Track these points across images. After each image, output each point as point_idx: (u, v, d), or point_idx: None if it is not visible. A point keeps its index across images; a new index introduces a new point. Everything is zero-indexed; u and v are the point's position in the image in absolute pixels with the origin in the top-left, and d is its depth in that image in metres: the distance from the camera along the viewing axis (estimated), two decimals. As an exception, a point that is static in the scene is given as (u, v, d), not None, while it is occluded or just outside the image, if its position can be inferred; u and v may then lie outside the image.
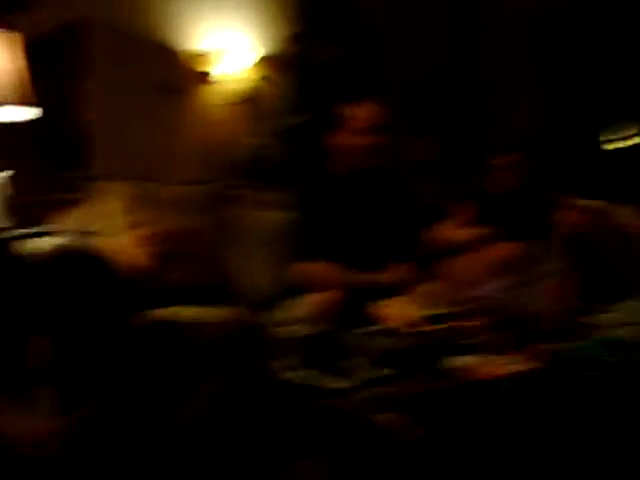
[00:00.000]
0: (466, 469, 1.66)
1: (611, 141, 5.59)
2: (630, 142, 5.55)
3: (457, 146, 5.40)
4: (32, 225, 3.06)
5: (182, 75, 4.75)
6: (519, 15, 5.52)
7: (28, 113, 3.31)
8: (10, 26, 3.31)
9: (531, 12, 5.46)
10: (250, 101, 4.73)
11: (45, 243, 2.87)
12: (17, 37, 3.23)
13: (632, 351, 1.95)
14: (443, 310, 2.34)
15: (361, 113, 2.93)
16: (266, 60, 4.82)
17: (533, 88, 5.55)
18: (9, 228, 3.10)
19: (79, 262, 2.26)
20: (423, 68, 5.39)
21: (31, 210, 3.31)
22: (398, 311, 2.35)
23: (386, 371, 2.08)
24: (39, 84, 3.27)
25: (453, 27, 5.66)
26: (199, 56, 4.77)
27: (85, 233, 3.14)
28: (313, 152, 3.24)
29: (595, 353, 1.98)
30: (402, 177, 3.30)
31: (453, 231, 3.74)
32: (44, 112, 3.39)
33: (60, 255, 2.38)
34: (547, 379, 1.75)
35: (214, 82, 4.75)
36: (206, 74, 4.77)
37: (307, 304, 2.92)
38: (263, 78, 4.77)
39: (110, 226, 3.34)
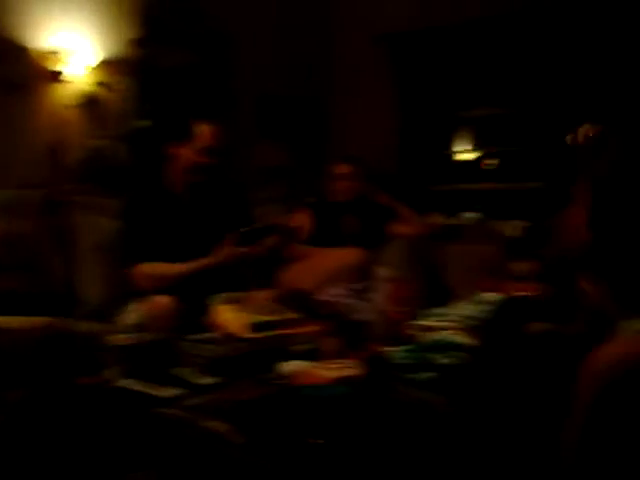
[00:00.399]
0: (288, 474, 1.62)
1: (456, 154, 5.81)
2: (472, 155, 5.80)
3: (306, 154, 5.44)
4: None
5: (30, 73, 4.51)
6: (373, 32, 5.62)
7: None
8: None
9: (386, 30, 5.57)
10: (91, 103, 4.56)
11: None
12: None
13: (462, 352, 1.99)
14: (276, 317, 2.31)
15: (203, 132, 3.03)
16: (107, 63, 4.67)
17: (386, 101, 5.66)
18: None
19: None
20: (275, 76, 5.39)
21: None
22: (231, 318, 2.30)
23: (215, 379, 2.05)
24: None
25: (307, 37, 5.70)
26: (49, 54, 4.55)
27: None
28: (151, 159, 3.27)
29: (424, 356, 2.01)
30: (233, 191, 3.35)
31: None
32: None
33: None
34: (370, 384, 1.74)
35: (64, 81, 4.55)
36: (58, 73, 4.55)
37: (140, 311, 2.84)
38: (102, 82, 4.62)
39: None
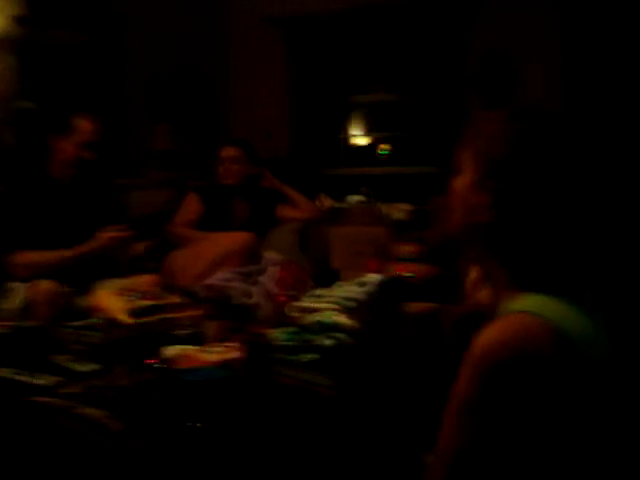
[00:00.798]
0: (167, 458, 1.61)
1: (349, 138, 5.87)
2: (366, 140, 5.87)
3: (198, 136, 5.37)
4: None
5: None
6: (266, 14, 5.57)
7: None
8: None
9: (279, 13, 5.54)
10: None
11: None
12: None
13: (342, 333, 2.01)
14: (157, 301, 2.29)
15: (82, 127, 3.10)
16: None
17: (279, 84, 5.65)
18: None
19: None
20: (167, 56, 5.28)
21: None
22: (111, 304, 2.25)
23: (94, 365, 2.01)
24: None
25: (201, 16, 5.61)
26: None
27: None
28: (35, 144, 3.31)
29: (306, 337, 2.02)
30: (107, 185, 3.45)
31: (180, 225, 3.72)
32: None
33: None
34: (250, 366, 1.75)
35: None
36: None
37: (22, 297, 2.77)
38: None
39: None
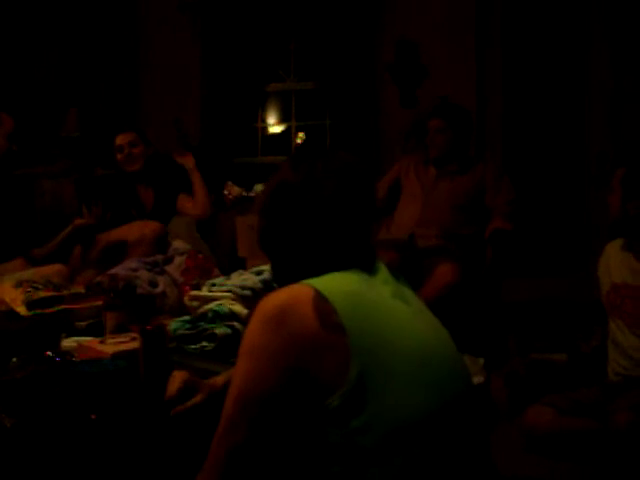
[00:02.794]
0: (60, 451, 1.60)
1: (264, 127, 5.87)
2: (280, 128, 5.87)
3: (106, 124, 5.29)
4: None
5: None
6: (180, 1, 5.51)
7: None
8: None
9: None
10: None
11: None
12: None
13: (236, 322, 2.03)
14: (55, 292, 2.26)
15: (9, 120, 3.29)
16: None
17: (192, 71, 5.58)
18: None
19: None
20: (81, 42, 5.18)
21: None
22: (9, 294, 2.21)
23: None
24: None
25: (115, 2, 5.51)
26: None
27: None
28: None
29: (202, 326, 2.04)
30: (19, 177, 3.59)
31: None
32: None
33: None
34: (146, 357, 1.74)
35: None
36: None
37: None
38: None
39: None
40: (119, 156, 3.84)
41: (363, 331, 1.19)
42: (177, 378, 1.59)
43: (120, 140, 3.85)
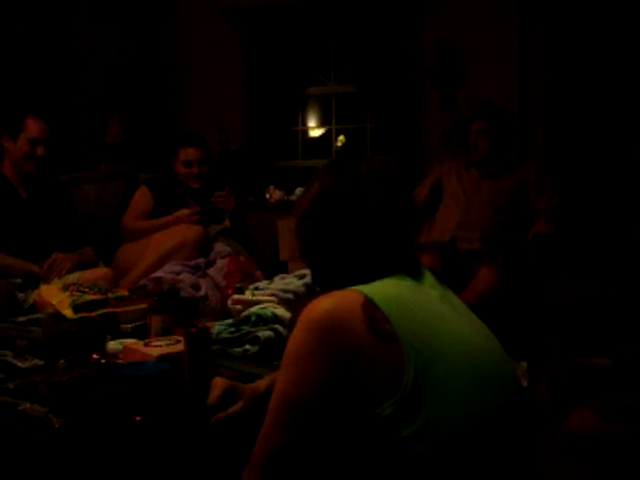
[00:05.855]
0: (108, 453, 1.62)
1: (305, 130, 5.88)
2: (320, 132, 5.89)
3: (151, 128, 5.35)
4: None
5: None
6: (221, 5, 5.55)
7: None
8: None
9: (234, 3, 5.52)
10: None
11: None
12: None
13: (280, 325, 2.05)
14: (102, 296, 2.29)
15: (33, 126, 3.20)
16: None
17: (234, 76, 5.63)
18: None
19: None
20: (121, 47, 5.24)
21: None
22: (54, 298, 2.26)
23: (37, 361, 2.01)
24: None
25: (157, 9, 5.57)
26: None
27: None
28: None
29: (246, 329, 2.05)
30: (60, 182, 3.59)
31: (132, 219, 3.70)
32: None
33: None
34: (191, 360, 1.76)
35: None
36: None
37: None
38: None
39: None
40: (184, 170, 3.73)
41: (415, 338, 1.17)
42: (218, 385, 1.57)
43: (190, 155, 3.73)
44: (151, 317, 2.18)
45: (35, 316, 2.26)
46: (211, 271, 2.94)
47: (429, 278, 1.34)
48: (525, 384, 2.78)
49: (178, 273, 2.84)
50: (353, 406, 1.18)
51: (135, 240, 3.54)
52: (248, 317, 2.09)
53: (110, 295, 2.31)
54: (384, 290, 1.23)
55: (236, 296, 2.26)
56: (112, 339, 2.18)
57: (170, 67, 5.65)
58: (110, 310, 2.24)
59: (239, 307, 2.17)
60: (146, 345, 2.04)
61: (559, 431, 2.58)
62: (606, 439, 2.47)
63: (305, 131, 5.90)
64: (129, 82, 5.31)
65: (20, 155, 3.19)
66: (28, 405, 1.72)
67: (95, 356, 1.98)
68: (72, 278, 2.87)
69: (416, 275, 1.32)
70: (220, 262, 2.96)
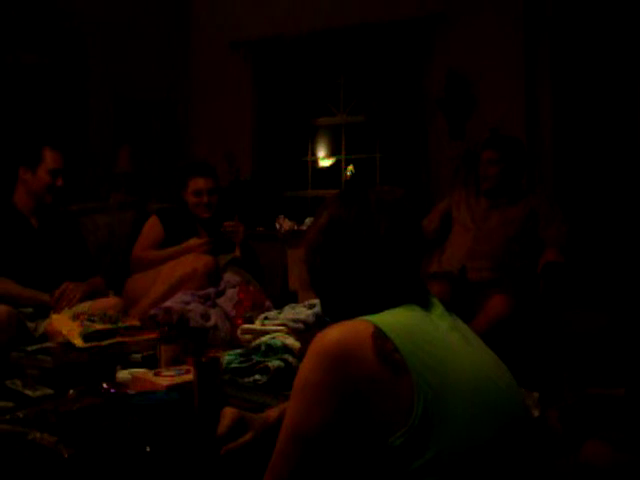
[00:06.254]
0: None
1: (314, 160, 5.91)
2: (330, 162, 5.91)
3: (160, 159, 5.39)
4: None
5: None
6: (231, 38, 5.62)
7: None
8: None
9: (244, 36, 5.58)
10: None
11: None
12: None
13: (289, 355, 2.04)
14: (112, 325, 2.30)
15: (52, 157, 3.21)
16: None
17: (244, 107, 5.68)
18: None
19: None
20: (131, 79, 5.30)
21: None
22: (65, 328, 2.26)
23: (47, 390, 2.01)
24: None
25: (165, 39, 5.64)
26: None
27: None
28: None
29: (255, 359, 2.05)
30: (71, 213, 3.63)
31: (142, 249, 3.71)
32: None
33: None
34: (200, 389, 1.76)
35: None
36: None
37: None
38: None
39: None
40: (194, 199, 3.73)
41: (425, 368, 1.18)
42: (227, 415, 1.56)
43: (201, 184, 3.72)
44: (161, 347, 2.18)
45: (45, 345, 2.26)
46: (221, 301, 2.94)
47: (438, 308, 1.34)
48: (537, 414, 2.76)
49: (188, 303, 2.84)
50: (362, 436, 1.18)
51: (145, 270, 3.54)
52: (258, 347, 2.09)
53: (120, 325, 2.32)
54: (394, 320, 1.24)
55: (246, 326, 2.26)
56: (122, 369, 2.18)
57: (180, 98, 5.71)
58: (120, 340, 2.25)
59: (249, 337, 2.17)
60: (156, 375, 2.04)
61: (571, 462, 2.56)
62: (619, 470, 2.45)
63: (315, 161, 5.93)
64: (139, 113, 5.36)
65: (41, 186, 3.19)
66: (38, 434, 1.71)
67: (105, 386, 1.99)
68: (82, 307, 2.87)
69: (425, 305, 1.33)
70: (230, 292, 2.96)
